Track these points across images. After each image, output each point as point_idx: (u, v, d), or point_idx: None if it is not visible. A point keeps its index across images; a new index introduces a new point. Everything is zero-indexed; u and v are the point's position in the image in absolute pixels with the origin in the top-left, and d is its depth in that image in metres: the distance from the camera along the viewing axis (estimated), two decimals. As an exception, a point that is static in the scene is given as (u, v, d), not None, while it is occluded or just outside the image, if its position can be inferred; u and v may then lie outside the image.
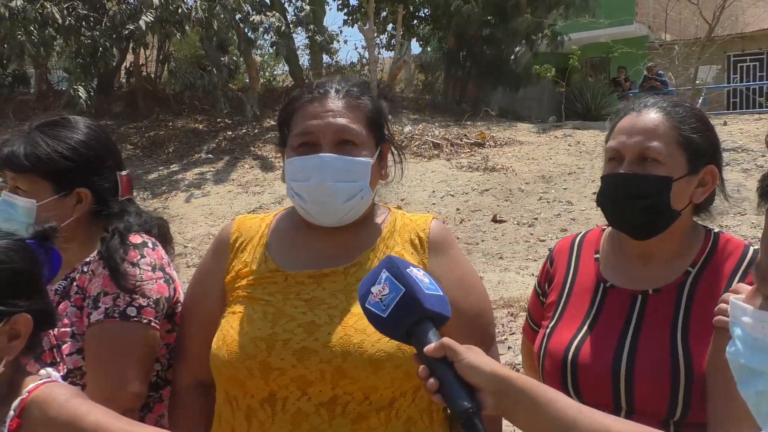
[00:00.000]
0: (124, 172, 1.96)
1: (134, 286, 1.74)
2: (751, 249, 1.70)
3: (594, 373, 1.64)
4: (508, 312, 5.98)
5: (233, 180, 12.23)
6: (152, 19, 12.04)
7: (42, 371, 1.43)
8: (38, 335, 1.42)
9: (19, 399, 1.31)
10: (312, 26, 15.21)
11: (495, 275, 6.99)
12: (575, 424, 1.17)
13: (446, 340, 1.25)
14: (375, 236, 1.70)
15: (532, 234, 8.50)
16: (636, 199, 1.66)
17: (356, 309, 1.54)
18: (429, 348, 1.24)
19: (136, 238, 1.84)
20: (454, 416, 1.22)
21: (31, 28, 12.11)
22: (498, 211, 9.50)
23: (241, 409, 1.59)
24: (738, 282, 1.61)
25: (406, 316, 1.27)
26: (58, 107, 13.04)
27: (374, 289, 1.31)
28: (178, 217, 10.54)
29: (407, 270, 1.31)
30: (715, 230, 1.76)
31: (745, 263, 1.66)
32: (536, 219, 9.07)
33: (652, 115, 1.69)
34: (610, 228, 1.85)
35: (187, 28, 12.81)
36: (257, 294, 1.63)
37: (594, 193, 1.79)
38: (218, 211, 10.73)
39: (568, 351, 1.69)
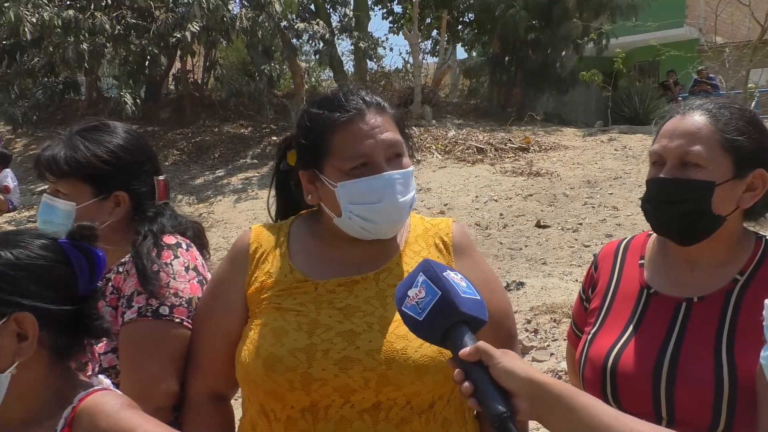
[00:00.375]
0: (161, 177, 1.99)
1: (161, 289, 1.75)
2: None
3: (634, 381, 1.60)
4: (551, 318, 5.89)
5: (278, 185, 12.27)
6: (198, 28, 12.22)
7: (94, 378, 1.43)
8: (76, 341, 1.39)
9: (70, 408, 1.29)
10: (356, 33, 15.28)
11: (538, 281, 6.90)
12: (611, 431, 1.15)
13: (482, 344, 1.24)
14: (401, 241, 1.70)
15: (576, 239, 8.38)
16: (675, 204, 1.62)
17: (394, 315, 1.54)
18: (464, 352, 1.23)
19: (170, 239, 1.86)
20: (488, 420, 1.20)
21: (82, 37, 12.39)
22: (542, 217, 9.39)
23: (279, 420, 1.57)
24: None
25: (443, 320, 1.26)
26: (107, 114, 13.34)
27: (411, 293, 1.30)
28: (223, 221, 10.66)
29: (444, 273, 1.30)
30: (767, 237, 1.71)
31: None
32: (581, 224, 8.94)
33: (696, 118, 1.65)
34: (654, 234, 1.80)
35: (232, 36, 12.96)
36: (287, 305, 1.61)
37: (640, 198, 1.74)
38: (262, 216, 10.80)
39: (608, 358, 1.65)
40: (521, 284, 6.73)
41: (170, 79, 17.91)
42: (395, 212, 1.61)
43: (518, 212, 9.78)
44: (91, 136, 1.91)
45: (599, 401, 1.21)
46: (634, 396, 1.60)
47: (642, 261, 1.78)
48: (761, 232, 1.74)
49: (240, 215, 10.95)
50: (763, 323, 0.91)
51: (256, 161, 13.71)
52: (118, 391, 1.46)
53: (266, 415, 1.60)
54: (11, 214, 10.98)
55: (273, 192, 1.88)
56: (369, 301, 1.59)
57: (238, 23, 12.51)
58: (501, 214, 9.71)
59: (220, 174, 13.20)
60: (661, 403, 1.57)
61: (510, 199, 10.40)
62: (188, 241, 1.91)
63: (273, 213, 1.88)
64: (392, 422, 1.53)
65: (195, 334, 1.76)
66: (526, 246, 8.44)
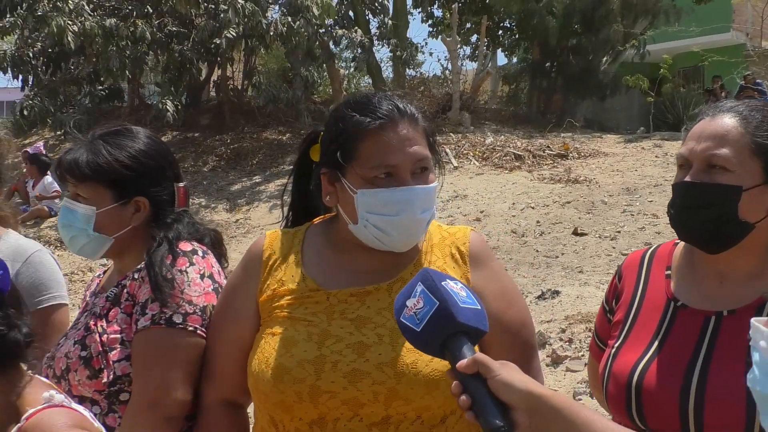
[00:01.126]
0: (181, 184, 1.99)
1: (175, 297, 1.74)
2: None
3: (660, 399, 1.53)
4: (586, 327, 5.78)
5: (314, 191, 12.34)
6: (234, 34, 12.35)
7: (45, 394, 1.39)
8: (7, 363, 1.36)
9: (16, 427, 1.27)
10: (394, 41, 15.31)
11: (574, 289, 6.79)
12: None
13: (479, 355, 1.21)
14: (415, 251, 1.66)
15: (614, 248, 8.24)
16: (699, 210, 1.56)
17: None
18: (461, 364, 1.21)
19: (186, 246, 1.85)
20: None
21: (123, 45, 12.62)
22: (579, 224, 9.27)
23: None
24: None
25: (440, 331, 1.24)
26: (149, 121, 13.55)
27: (409, 303, 1.28)
28: (260, 227, 10.73)
29: (442, 283, 1.27)
30: None
31: None
32: (619, 232, 8.79)
33: (725, 120, 1.58)
34: (681, 242, 1.73)
35: (267, 41, 13.08)
36: (298, 314, 1.59)
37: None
38: (298, 222, 10.83)
39: (633, 374, 1.58)
40: (557, 293, 6.63)
41: (211, 85, 18.13)
42: (412, 227, 1.57)
43: (555, 219, 9.67)
44: (114, 140, 1.91)
45: (599, 416, 1.18)
46: (660, 415, 1.53)
47: (668, 272, 1.71)
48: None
49: (276, 222, 10.99)
50: (750, 343, 0.86)
51: (293, 167, 13.76)
52: (72, 406, 1.43)
53: (275, 426, 1.57)
54: (53, 218, 11.18)
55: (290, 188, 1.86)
56: (381, 312, 1.56)
57: (273, 29, 12.59)
58: (538, 222, 9.61)
59: (257, 180, 13.31)
60: (690, 423, 1.50)
61: (547, 206, 10.29)
62: (204, 248, 1.90)
63: (287, 212, 1.85)
64: None
65: (209, 341, 1.75)
66: (562, 254, 8.33)
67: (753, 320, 0.85)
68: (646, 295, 1.70)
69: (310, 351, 1.52)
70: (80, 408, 1.44)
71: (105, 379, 1.77)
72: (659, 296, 1.68)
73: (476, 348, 1.29)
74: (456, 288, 1.28)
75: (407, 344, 1.48)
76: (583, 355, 5.35)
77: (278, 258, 1.68)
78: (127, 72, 13.26)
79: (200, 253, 1.86)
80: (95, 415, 1.77)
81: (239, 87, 17.63)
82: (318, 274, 1.64)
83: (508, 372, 1.20)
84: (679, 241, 1.74)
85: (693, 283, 1.65)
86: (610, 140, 14.57)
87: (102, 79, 14.48)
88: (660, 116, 17.64)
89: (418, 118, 1.62)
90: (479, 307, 1.28)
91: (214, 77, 17.24)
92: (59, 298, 2.29)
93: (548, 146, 13.46)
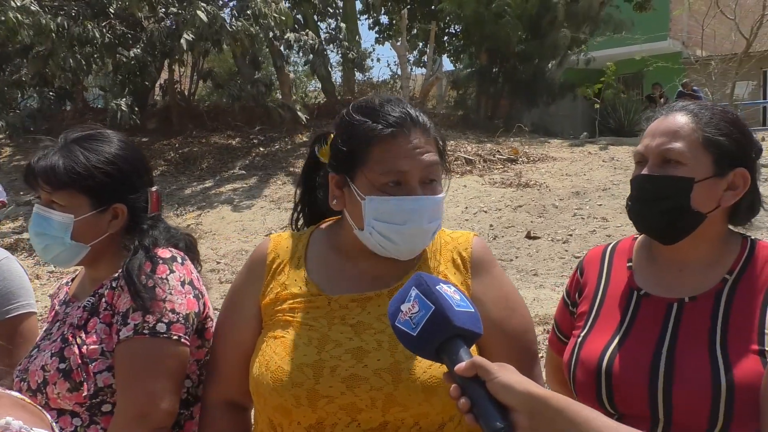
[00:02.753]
0: (153, 188, 1.94)
1: (157, 305, 1.71)
2: None
3: (630, 383, 1.59)
4: (544, 329, 5.88)
5: (266, 196, 12.27)
6: (193, 37, 12.19)
7: (1, 421, 1.34)
8: None
9: None
10: (345, 43, 15.29)
11: (530, 292, 6.89)
12: None
13: (477, 358, 1.21)
14: (418, 257, 1.66)
15: (566, 251, 8.40)
16: (656, 201, 1.64)
17: None
18: (460, 367, 1.20)
19: (165, 253, 1.81)
20: None
21: (73, 45, 12.34)
22: (532, 228, 9.41)
23: None
24: None
25: (436, 335, 1.24)
26: (106, 123, 13.28)
27: (404, 307, 1.28)
28: (211, 233, 10.59)
29: (437, 287, 1.27)
30: (752, 237, 1.72)
31: None
32: (571, 235, 8.96)
33: (678, 117, 1.67)
34: (642, 236, 1.81)
35: (224, 44, 12.95)
36: (300, 318, 1.58)
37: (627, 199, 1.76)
38: (251, 227, 10.76)
39: (602, 360, 1.64)
40: (513, 295, 6.71)
41: (157, 89, 17.82)
42: (418, 237, 1.57)
43: (508, 223, 9.79)
44: (89, 145, 1.85)
45: (599, 414, 1.18)
46: (629, 398, 1.58)
47: (630, 264, 1.78)
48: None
49: (228, 226, 10.89)
50: None
51: (244, 172, 13.65)
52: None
53: (274, 430, 1.57)
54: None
55: (298, 191, 1.84)
56: (381, 318, 1.55)
57: (230, 34, 12.47)
58: (491, 226, 9.72)
59: (208, 185, 13.13)
60: (658, 405, 1.55)
61: (500, 210, 10.42)
62: (182, 254, 1.86)
63: (294, 217, 1.84)
64: None
65: (213, 342, 1.75)
66: (516, 257, 8.44)
67: None
68: (609, 286, 1.77)
69: (309, 355, 1.52)
70: None
71: (86, 392, 1.72)
72: (622, 287, 1.74)
73: (473, 351, 1.30)
74: (450, 291, 1.28)
75: (405, 351, 1.46)
76: (542, 357, 5.42)
77: (282, 261, 1.68)
78: (80, 74, 12.93)
79: (179, 259, 1.82)
80: (76, 427, 1.74)
81: (186, 92, 17.38)
82: (321, 279, 1.63)
83: (506, 374, 1.20)
84: (638, 235, 1.83)
85: (654, 273, 1.73)
86: (557, 145, 14.82)
87: (51, 80, 14.11)
88: (603, 122, 18.02)
89: (429, 127, 1.61)
90: (473, 310, 1.29)
91: (161, 81, 16.94)
92: (28, 306, 2.22)
93: (498, 151, 13.62)
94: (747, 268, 1.65)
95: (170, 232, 1.93)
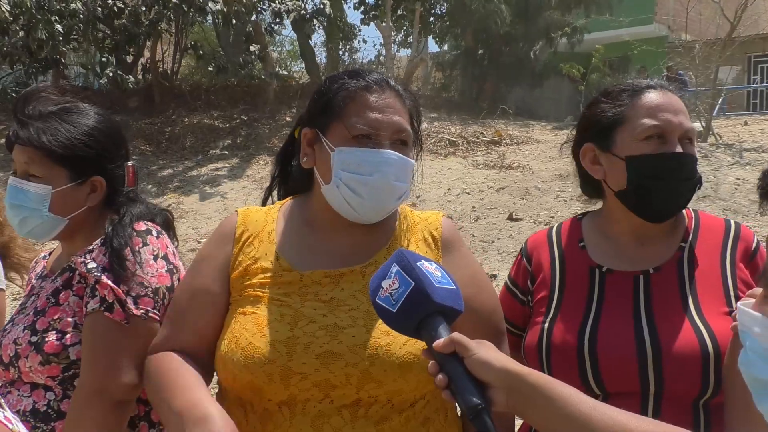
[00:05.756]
0: (130, 163, 1.92)
1: (131, 274, 1.69)
2: (732, 222, 1.74)
3: (618, 360, 1.58)
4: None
5: (248, 176, 12.22)
6: (173, 7, 12.07)
7: None
8: None
9: None
10: (330, 11, 15.16)
11: (510, 273, 6.91)
12: (590, 421, 1.13)
13: (456, 335, 1.21)
14: (389, 234, 1.65)
15: (548, 233, 8.41)
16: (689, 181, 1.66)
17: None
18: (438, 343, 1.21)
19: (140, 226, 1.80)
20: (463, 412, 1.17)
21: (54, 19, 12.18)
22: (514, 210, 9.42)
23: (256, 413, 1.52)
24: (730, 251, 1.66)
25: (416, 311, 1.24)
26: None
27: (384, 284, 1.27)
28: (193, 212, 10.54)
29: (417, 263, 1.27)
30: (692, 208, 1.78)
31: (731, 235, 1.69)
32: (553, 218, 8.97)
33: (677, 96, 1.70)
34: (587, 217, 1.83)
35: (207, 11, 12.82)
36: (270, 294, 1.56)
37: (636, 175, 1.74)
38: (233, 207, 10.68)
39: (582, 341, 1.62)
40: (494, 276, 6.73)
41: (138, 68, 17.63)
42: (384, 192, 1.57)
43: (490, 205, 9.80)
44: (67, 117, 1.82)
45: (576, 391, 1.18)
46: (619, 375, 1.57)
47: (582, 243, 1.76)
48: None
49: (210, 206, 10.84)
50: (738, 327, 0.88)
51: (226, 152, 13.58)
52: None
53: (243, 407, 1.55)
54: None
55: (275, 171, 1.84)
56: (355, 295, 1.54)
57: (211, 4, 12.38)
58: (473, 207, 9.72)
59: (189, 165, 13.05)
60: (650, 378, 1.55)
61: (482, 192, 10.42)
62: (159, 228, 1.85)
63: (266, 196, 1.83)
64: (371, 419, 1.48)
65: (174, 301, 1.67)
66: (498, 239, 8.46)
67: (740, 305, 0.87)
68: (566, 268, 1.75)
69: (282, 331, 1.49)
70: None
71: (60, 364, 1.70)
72: (580, 267, 1.73)
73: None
74: (431, 268, 1.28)
75: (381, 327, 1.47)
76: (521, 338, 5.44)
77: (251, 235, 1.65)
78: (60, 45, 12.79)
79: (154, 233, 1.81)
80: (50, 401, 1.72)
81: (168, 70, 17.21)
82: (291, 254, 1.61)
83: (485, 351, 1.20)
84: (581, 216, 1.83)
85: (611, 249, 1.73)
86: (541, 127, 14.83)
87: (35, 52, 13.96)
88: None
89: (404, 96, 1.64)
90: (454, 287, 1.29)
91: (143, 60, 16.77)
92: None
93: (482, 133, 13.61)
94: (698, 236, 1.71)
95: (147, 206, 1.91)
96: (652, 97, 1.68)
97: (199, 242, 8.93)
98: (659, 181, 1.63)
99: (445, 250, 1.66)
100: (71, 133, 1.79)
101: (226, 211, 10.53)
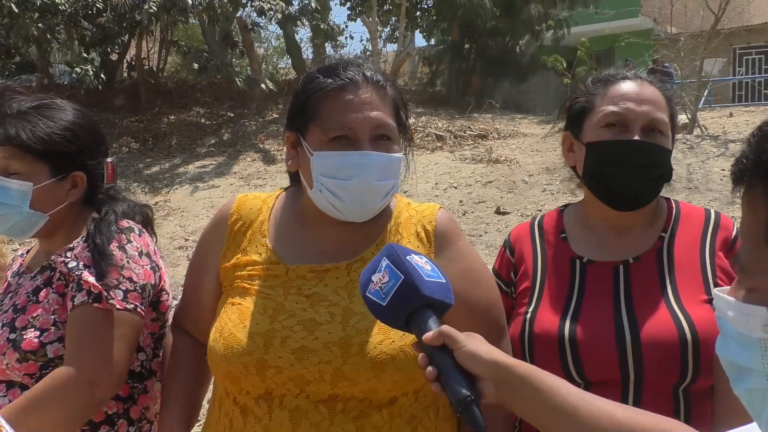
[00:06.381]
0: (109, 160, 1.90)
1: (113, 273, 1.68)
2: (712, 211, 1.75)
3: (597, 349, 1.58)
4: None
5: (235, 173, 12.19)
6: (155, 8, 12.00)
7: None
8: None
9: None
10: (317, 14, 15.14)
11: (498, 267, 6.92)
12: (578, 411, 1.13)
13: (445, 328, 1.21)
14: (380, 230, 1.62)
15: (536, 226, 8.44)
16: (652, 168, 1.64)
17: (359, 308, 1.48)
18: (427, 336, 1.20)
19: (122, 223, 1.79)
20: (452, 405, 1.17)
21: (35, 15, 12.08)
22: (501, 203, 9.44)
23: (238, 405, 1.53)
24: (710, 240, 1.68)
25: (405, 304, 1.23)
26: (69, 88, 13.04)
27: (374, 278, 1.27)
28: (180, 210, 10.51)
29: (407, 257, 1.27)
30: (672, 198, 1.80)
31: (711, 224, 1.70)
32: (540, 211, 8.99)
33: (652, 88, 1.70)
34: (569, 208, 1.84)
35: (190, 13, 12.77)
36: (257, 286, 1.56)
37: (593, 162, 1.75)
38: (220, 204, 10.58)
39: (563, 331, 1.62)
40: (482, 270, 6.73)
41: (124, 65, 17.55)
42: (365, 194, 1.53)
43: (478, 199, 9.81)
44: (45, 113, 1.80)
45: (564, 382, 1.18)
46: (599, 364, 1.58)
47: (564, 234, 1.78)
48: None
49: (197, 204, 10.81)
50: (716, 314, 0.89)
51: (213, 149, 13.55)
52: None
53: (228, 397, 1.57)
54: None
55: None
56: (337, 291, 1.53)
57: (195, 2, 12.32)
58: (461, 201, 9.73)
59: (176, 162, 13.01)
60: (629, 367, 1.56)
61: (470, 186, 10.44)
62: (140, 226, 1.84)
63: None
64: (350, 415, 1.47)
65: (186, 282, 1.75)
66: (486, 233, 8.47)
67: (715, 290, 0.88)
68: (548, 259, 1.76)
69: (262, 324, 1.50)
70: None
71: (38, 362, 1.69)
72: (562, 258, 1.74)
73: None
74: (421, 262, 1.28)
75: (358, 325, 1.47)
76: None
77: (244, 224, 1.65)
78: (44, 44, 12.69)
79: (136, 231, 1.80)
80: None
81: (155, 68, 17.14)
82: (280, 247, 1.61)
83: (474, 343, 1.20)
84: (563, 208, 1.84)
85: (592, 240, 1.74)
86: (527, 121, 14.86)
87: (13, 51, 13.84)
88: (574, 99, 18.04)
89: (385, 86, 1.58)
90: (444, 281, 1.29)
91: (128, 57, 16.69)
92: None
93: (469, 127, 13.63)
94: (678, 225, 1.71)
95: (129, 205, 1.89)
96: (621, 86, 1.69)
97: (186, 240, 8.91)
98: (613, 167, 1.65)
99: (438, 245, 1.61)
100: (50, 128, 1.77)
101: (213, 209, 10.49)
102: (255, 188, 11.28)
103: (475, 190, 10.21)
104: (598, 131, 1.68)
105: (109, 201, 1.84)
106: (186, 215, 10.26)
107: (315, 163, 1.53)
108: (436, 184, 10.62)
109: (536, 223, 1.85)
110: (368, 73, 1.57)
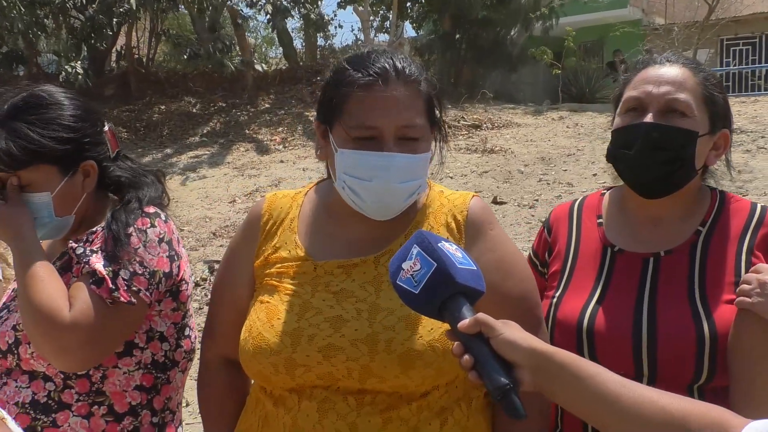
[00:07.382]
0: (106, 128, 1.85)
1: (127, 254, 1.66)
2: (759, 206, 1.67)
3: (613, 341, 1.57)
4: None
5: (229, 163, 12.13)
6: None
7: None
8: None
9: None
10: (307, 4, 15.06)
11: (498, 256, 6.92)
12: (619, 399, 1.11)
13: (481, 315, 1.19)
14: (409, 222, 1.58)
15: (533, 215, 8.44)
16: (661, 151, 1.59)
17: (386, 303, 1.46)
18: (463, 324, 1.19)
19: (149, 208, 1.77)
20: (490, 393, 1.16)
21: (22, 6, 11.97)
22: (498, 193, 9.44)
23: (272, 396, 1.54)
24: (749, 238, 1.61)
25: (439, 292, 1.22)
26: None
27: (405, 266, 1.25)
28: (174, 200, 10.26)
29: (439, 244, 1.25)
30: (720, 189, 1.73)
31: (754, 220, 1.63)
32: (537, 200, 9.01)
33: (678, 69, 1.65)
34: (610, 192, 1.80)
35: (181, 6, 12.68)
36: (285, 284, 1.55)
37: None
38: (214, 194, 10.64)
39: (582, 319, 1.62)
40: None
41: (113, 56, 17.40)
42: (387, 196, 1.49)
43: (474, 189, 9.80)
44: (35, 116, 1.72)
45: (604, 369, 1.17)
46: (613, 356, 1.56)
47: (600, 220, 1.75)
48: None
49: (191, 194, 10.75)
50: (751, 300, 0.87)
51: (205, 139, 13.49)
52: None
53: (264, 390, 1.57)
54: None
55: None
56: (364, 286, 1.50)
57: None
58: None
59: (168, 152, 12.94)
60: (643, 361, 1.55)
61: (465, 176, 10.43)
62: (167, 213, 1.83)
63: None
64: (377, 407, 1.45)
65: (211, 301, 1.75)
66: (483, 222, 8.44)
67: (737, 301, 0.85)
68: (581, 244, 1.74)
69: (289, 322, 1.48)
70: None
71: None
72: (594, 244, 1.72)
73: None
74: (452, 249, 1.26)
75: (384, 321, 1.45)
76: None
77: (275, 222, 1.65)
78: (31, 35, 12.55)
79: (163, 216, 1.79)
80: (49, 392, 1.69)
81: (144, 58, 17.01)
82: (310, 243, 1.59)
83: (510, 331, 1.19)
84: (605, 191, 1.81)
85: (627, 228, 1.71)
86: (520, 111, 14.86)
87: (1, 43, 13.70)
88: (564, 89, 18.10)
89: (418, 81, 1.51)
90: (475, 268, 1.27)
91: (118, 47, 16.54)
92: None
93: (462, 117, 13.61)
94: (719, 220, 1.65)
95: (154, 188, 1.87)
96: (646, 70, 1.67)
97: (181, 230, 8.84)
98: (625, 151, 1.63)
99: (468, 235, 1.57)
100: (43, 134, 1.70)
101: (207, 198, 10.44)
102: (249, 178, 11.23)
103: (471, 180, 10.20)
104: (622, 117, 1.67)
105: (134, 187, 1.81)
106: (180, 205, 10.19)
107: (338, 160, 1.50)
108: (431, 174, 10.54)
109: (576, 204, 1.83)
110: (400, 66, 1.50)
